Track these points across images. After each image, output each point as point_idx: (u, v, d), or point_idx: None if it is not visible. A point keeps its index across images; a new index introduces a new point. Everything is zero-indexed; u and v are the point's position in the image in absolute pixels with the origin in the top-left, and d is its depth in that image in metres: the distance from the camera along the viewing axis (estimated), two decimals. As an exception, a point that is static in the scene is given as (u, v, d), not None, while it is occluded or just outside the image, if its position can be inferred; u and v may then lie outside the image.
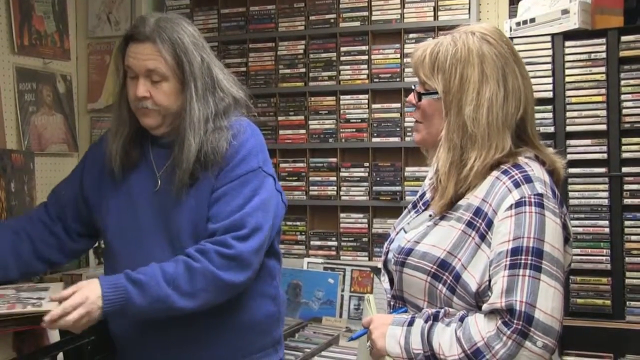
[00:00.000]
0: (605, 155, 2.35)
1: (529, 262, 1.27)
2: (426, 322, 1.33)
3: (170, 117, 1.75)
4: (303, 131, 3.30)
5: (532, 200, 1.31)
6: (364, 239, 3.19)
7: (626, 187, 2.33)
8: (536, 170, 1.37)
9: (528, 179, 1.34)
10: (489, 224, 1.34)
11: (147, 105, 1.72)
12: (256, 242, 1.69)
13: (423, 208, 1.54)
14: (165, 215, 1.74)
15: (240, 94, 1.82)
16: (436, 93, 1.42)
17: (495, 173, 1.38)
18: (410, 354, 1.32)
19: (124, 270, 1.62)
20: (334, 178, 3.25)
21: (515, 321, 1.24)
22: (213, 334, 1.75)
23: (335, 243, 3.24)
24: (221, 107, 1.76)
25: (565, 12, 2.44)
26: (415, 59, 1.47)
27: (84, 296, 1.55)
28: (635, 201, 2.31)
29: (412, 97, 1.49)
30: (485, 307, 1.29)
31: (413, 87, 1.50)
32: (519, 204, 1.31)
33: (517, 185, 1.33)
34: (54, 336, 1.77)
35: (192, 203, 1.73)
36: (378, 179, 3.17)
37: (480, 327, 1.27)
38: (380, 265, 1.59)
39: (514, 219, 1.30)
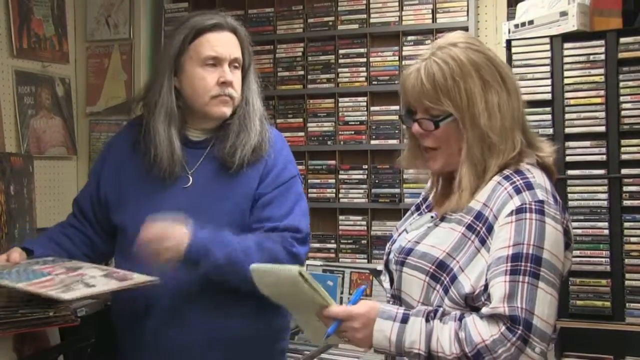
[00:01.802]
0: (604, 157, 2.35)
1: (528, 269, 1.28)
2: (428, 320, 1.33)
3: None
4: (302, 133, 3.30)
5: (533, 207, 1.32)
6: (363, 241, 3.19)
7: (625, 188, 2.32)
8: (537, 176, 1.38)
9: (529, 186, 1.35)
10: (490, 229, 1.35)
11: (231, 92, 1.79)
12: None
13: (426, 210, 1.55)
14: (196, 213, 1.75)
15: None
16: (450, 116, 1.39)
17: (497, 178, 1.38)
18: (401, 350, 1.32)
19: (210, 229, 1.68)
20: (333, 180, 3.25)
21: (519, 327, 1.25)
22: (220, 341, 1.75)
23: (334, 245, 3.24)
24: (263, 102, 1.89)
25: (563, 14, 2.44)
26: (409, 87, 1.43)
27: (167, 235, 1.63)
28: (635, 203, 2.31)
29: (418, 128, 1.43)
30: (485, 310, 1.29)
31: (412, 118, 1.44)
32: (519, 210, 1.32)
33: (518, 191, 1.34)
34: (55, 338, 1.77)
35: (228, 205, 1.77)
36: (377, 181, 3.17)
37: (480, 330, 1.28)
38: (381, 265, 1.59)
39: (514, 225, 1.31)
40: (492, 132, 1.37)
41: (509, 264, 1.29)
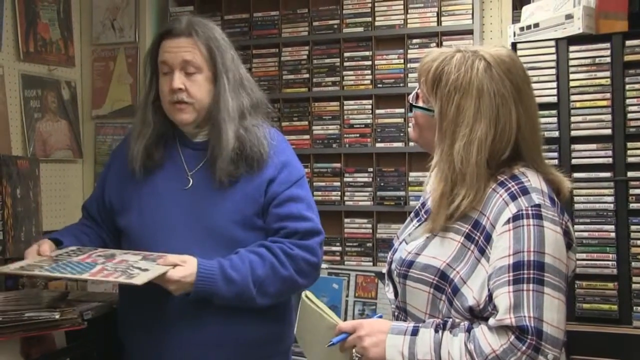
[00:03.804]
0: (610, 160, 2.35)
1: (532, 276, 1.27)
2: (436, 331, 1.32)
3: (203, 111, 1.80)
4: (307, 136, 3.31)
5: (530, 212, 1.30)
6: (368, 244, 3.19)
7: (632, 191, 2.32)
8: (532, 180, 1.36)
9: (525, 191, 1.33)
10: (488, 238, 1.33)
11: (183, 97, 1.77)
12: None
13: (425, 217, 1.54)
14: (196, 214, 1.77)
15: (262, 96, 1.89)
16: (431, 111, 1.41)
17: (491, 185, 1.37)
18: None
19: (220, 262, 1.70)
20: (338, 183, 3.25)
21: (529, 337, 1.24)
22: (230, 342, 1.76)
23: (339, 248, 3.24)
24: (251, 102, 1.84)
25: (569, 17, 2.44)
26: (422, 64, 1.45)
27: (184, 274, 1.64)
28: (641, 205, 2.31)
29: (409, 97, 1.51)
30: (492, 322, 1.28)
31: (417, 91, 1.49)
32: (516, 217, 1.30)
33: (513, 197, 1.32)
34: (61, 341, 1.77)
35: (228, 205, 1.77)
36: (382, 184, 3.17)
37: (490, 341, 1.27)
38: (384, 273, 1.58)
39: (512, 233, 1.29)
40: (464, 163, 1.36)
41: (511, 274, 1.27)
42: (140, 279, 1.55)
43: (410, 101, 1.50)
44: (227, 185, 1.77)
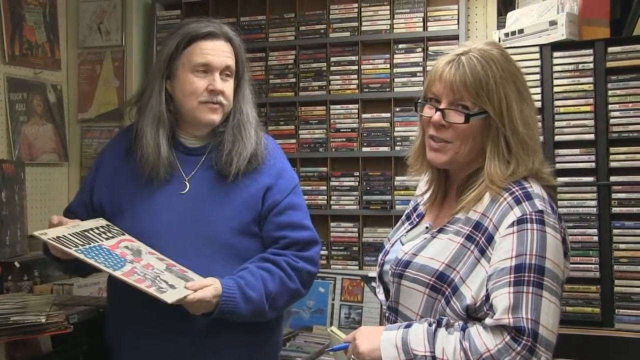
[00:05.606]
0: (593, 165, 2.37)
1: (532, 279, 1.29)
2: (430, 325, 1.35)
3: (226, 115, 1.85)
4: (293, 141, 3.31)
5: (534, 217, 1.33)
6: (354, 248, 3.20)
7: (614, 195, 2.34)
8: (535, 186, 1.40)
9: (528, 196, 1.36)
10: (489, 239, 1.35)
11: (221, 100, 1.80)
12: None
13: (417, 220, 1.56)
14: (193, 220, 1.77)
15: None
16: (483, 113, 1.39)
17: (495, 189, 1.40)
18: (409, 354, 1.33)
19: (238, 281, 1.70)
20: (324, 187, 3.26)
21: (524, 338, 1.26)
22: (224, 347, 1.76)
23: (325, 252, 3.24)
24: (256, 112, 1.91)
25: (552, 23, 2.46)
26: (448, 76, 1.41)
27: (211, 294, 1.64)
28: (623, 210, 2.33)
29: (439, 118, 1.41)
30: (489, 321, 1.30)
31: (435, 107, 1.43)
32: (520, 221, 1.33)
33: (518, 202, 1.35)
34: (46, 345, 1.77)
35: (226, 212, 1.78)
36: (368, 188, 3.19)
37: (485, 340, 1.29)
38: (373, 275, 1.60)
39: (516, 236, 1.32)
40: (531, 139, 1.41)
41: (513, 275, 1.30)
42: (170, 297, 1.54)
43: (450, 120, 1.41)
44: (229, 182, 1.78)
